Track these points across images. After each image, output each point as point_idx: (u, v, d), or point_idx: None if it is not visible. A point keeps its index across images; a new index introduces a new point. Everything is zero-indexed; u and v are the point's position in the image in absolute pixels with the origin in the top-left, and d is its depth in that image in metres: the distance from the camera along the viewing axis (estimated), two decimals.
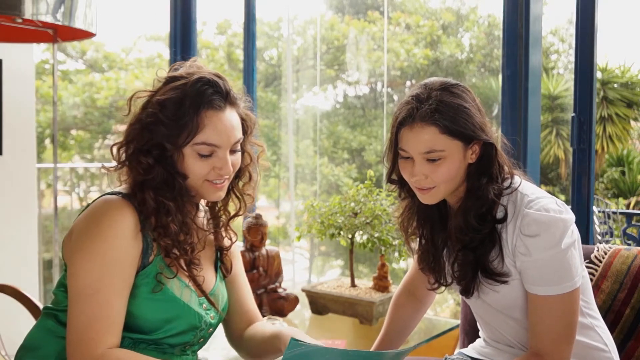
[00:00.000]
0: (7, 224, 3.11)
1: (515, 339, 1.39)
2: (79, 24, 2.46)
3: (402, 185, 1.39)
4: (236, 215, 1.38)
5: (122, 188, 1.24)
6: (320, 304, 2.23)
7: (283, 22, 8.93)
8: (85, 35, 2.64)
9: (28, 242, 3.25)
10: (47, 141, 8.97)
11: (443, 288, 1.45)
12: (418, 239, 1.45)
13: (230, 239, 1.40)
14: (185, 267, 1.24)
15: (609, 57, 11.13)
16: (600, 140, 10.83)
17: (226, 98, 1.23)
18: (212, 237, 1.38)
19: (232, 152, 1.24)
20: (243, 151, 1.31)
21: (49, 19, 2.35)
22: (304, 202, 2.31)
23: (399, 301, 1.59)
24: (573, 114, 2.24)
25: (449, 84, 1.29)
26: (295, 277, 7.04)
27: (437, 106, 1.24)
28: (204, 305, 1.28)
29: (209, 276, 1.33)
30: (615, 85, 11.05)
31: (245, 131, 1.30)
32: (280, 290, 2.22)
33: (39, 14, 2.31)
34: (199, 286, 1.27)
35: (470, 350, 1.54)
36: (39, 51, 8.65)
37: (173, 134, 1.18)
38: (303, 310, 2.34)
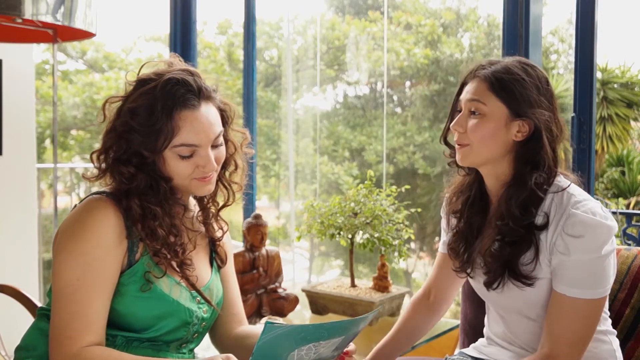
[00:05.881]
0: (7, 224, 3.11)
1: (523, 339, 1.38)
2: (79, 24, 2.46)
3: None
4: (225, 205, 1.36)
5: (108, 187, 1.23)
6: (320, 304, 2.23)
7: (283, 22, 8.94)
8: (85, 35, 2.64)
9: (28, 242, 3.25)
10: (47, 141, 8.97)
11: (465, 275, 1.43)
12: (456, 220, 1.44)
13: (222, 228, 1.39)
14: (177, 269, 1.23)
15: (609, 57, 11.13)
16: (600, 140, 10.83)
17: (199, 94, 1.20)
18: (203, 229, 1.36)
19: (215, 146, 1.23)
20: (227, 140, 1.29)
21: (49, 19, 2.35)
22: (304, 202, 2.31)
23: (415, 303, 1.58)
24: (573, 114, 2.24)
25: (524, 61, 1.33)
26: (295, 277, 7.04)
27: (499, 68, 1.29)
28: (197, 298, 1.27)
29: (204, 270, 1.33)
30: (615, 85, 11.05)
31: (226, 121, 1.28)
32: (280, 290, 2.22)
33: (39, 14, 2.31)
34: (192, 284, 1.25)
35: (472, 349, 1.54)
36: (39, 51, 8.66)
37: (149, 141, 1.17)
38: (303, 310, 2.34)
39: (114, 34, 10.88)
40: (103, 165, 1.22)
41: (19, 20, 2.42)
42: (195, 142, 1.18)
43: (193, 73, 1.22)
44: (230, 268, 1.44)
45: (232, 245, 1.48)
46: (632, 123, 11.21)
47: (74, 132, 9.94)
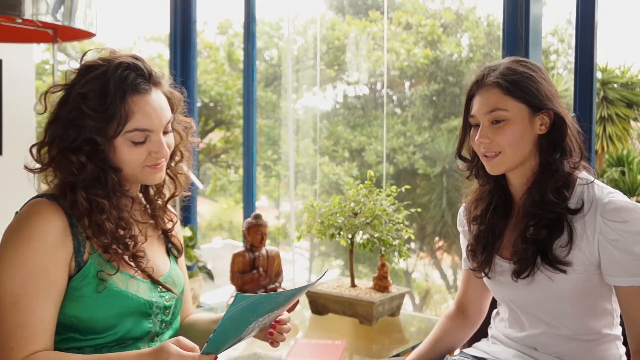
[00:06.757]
0: (7, 224, 3.11)
1: (537, 339, 1.37)
2: (79, 24, 2.46)
3: (474, 163, 1.41)
4: (172, 196, 1.36)
5: (50, 189, 1.20)
6: (320, 304, 2.23)
7: (283, 22, 8.94)
8: (85, 35, 2.64)
9: None
10: None
11: (482, 275, 1.44)
12: (476, 226, 1.45)
13: (171, 220, 1.39)
14: (131, 262, 1.21)
15: (609, 57, 11.12)
16: (600, 140, 10.82)
17: (149, 79, 1.20)
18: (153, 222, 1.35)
19: (165, 133, 1.22)
20: (172, 129, 1.28)
21: (49, 19, 2.35)
22: (304, 202, 2.31)
23: (452, 319, 1.59)
24: (573, 114, 2.24)
25: (519, 59, 1.35)
26: (295, 277, 7.04)
27: (504, 71, 1.30)
28: (159, 288, 1.26)
29: (161, 260, 1.32)
30: (615, 85, 11.04)
31: (172, 109, 1.27)
32: (280, 290, 2.22)
33: (39, 14, 2.31)
34: (149, 275, 1.24)
35: (473, 349, 1.54)
36: (39, 51, 8.65)
37: (102, 126, 1.15)
38: (303, 310, 2.34)
39: (114, 34, 10.87)
40: (46, 159, 1.19)
41: (19, 20, 2.42)
42: (149, 127, 1.18)
43: (139, 59, 1.21)
44: (181, 261, 1.43)
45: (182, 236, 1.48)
46: (632, 123, 11.20)
47: None
